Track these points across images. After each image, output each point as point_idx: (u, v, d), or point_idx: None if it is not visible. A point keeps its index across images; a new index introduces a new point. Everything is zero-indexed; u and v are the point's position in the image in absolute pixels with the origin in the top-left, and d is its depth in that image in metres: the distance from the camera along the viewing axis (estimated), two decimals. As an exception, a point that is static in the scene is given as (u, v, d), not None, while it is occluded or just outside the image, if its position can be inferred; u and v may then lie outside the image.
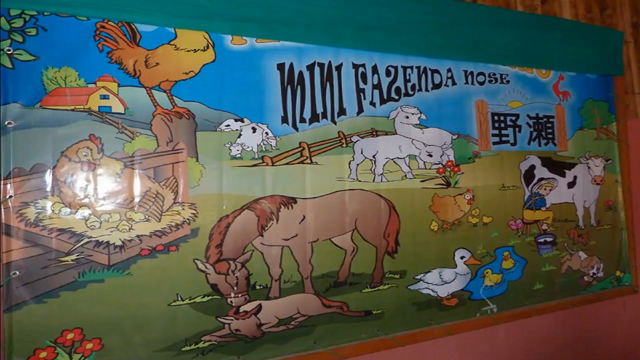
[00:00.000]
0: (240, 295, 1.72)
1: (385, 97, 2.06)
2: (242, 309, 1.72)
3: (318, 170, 1.89)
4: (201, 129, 1.69)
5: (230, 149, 1.74)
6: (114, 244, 1.54)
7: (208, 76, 1.72)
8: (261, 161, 1.79)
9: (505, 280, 2.33)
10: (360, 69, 2.02)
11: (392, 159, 2.06)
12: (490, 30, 2.30)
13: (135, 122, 1.60)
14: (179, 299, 1.63)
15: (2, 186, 1.41)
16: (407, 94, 2.11)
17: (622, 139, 2.78)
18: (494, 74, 2.36)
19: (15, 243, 1.43)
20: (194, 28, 1.71)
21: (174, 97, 1.66)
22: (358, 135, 1.99)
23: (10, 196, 1.43)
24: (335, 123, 1.94)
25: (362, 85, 2.01)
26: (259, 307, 1.75)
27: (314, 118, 1.90)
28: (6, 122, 1.43)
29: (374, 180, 2.00)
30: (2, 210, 1.42)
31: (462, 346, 2.23)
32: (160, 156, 1.63)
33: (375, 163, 2.01)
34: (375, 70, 2.05)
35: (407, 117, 2.09)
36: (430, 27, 2.15)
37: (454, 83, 2.24)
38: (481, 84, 2.32)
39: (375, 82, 2.05)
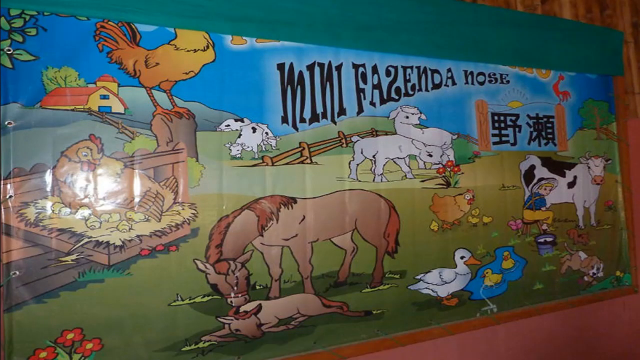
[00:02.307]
0: (240, 295, 1.72)
1: (385, 97, 2.06)
2: (242, 309, 1.72)
3: (318, 170, 1.89)
4: (201, 129, 1.69)
5: (230, 149, 1.74)
6: (114, 244, 1.54)
7: (208, 76, 1.72)
8: (261, 161, 1.79)
9: (505, 280, 2.33)
10: (360, 69, 2.02)
11: (392, 159, 2.06)
12: (490, 30, 2.30)
13: (135, 122, 1.60)
14: (179, 299, 1.63)
15: (2, 186, 1.41)
16: (407, 94, 2.11)
17: (622, 139, 2.78)
18: (494, 74, 2.36)
19: (15, 243, 1.43)
20: (194, 28, 1.71)
21: (174, 97, 1.66)
22: (358, 135, 1.99)
23: (10, 196, 1.43)
24: (335, 123, 1.94)
25: (362, 85, 2.01)
26: (259, 307, 1.75)
27: (314, 118, 1.90)
28: (6, 122, 1.43)
29: (374, 180, 2.00)
30: (2, 210, 1.42)
31: (462, 346, 2.23)
32: (160, 156, 1.63)
33: (375, 163, 2.01)
34: (375, 70, 2.05)
35: (407, 117, 2.09)
36: (430, 27, 2.15)
37: (454, 83, 2.24)
38: (481, 84, 2.32)
39: (375, 82, 2.05)
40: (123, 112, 1.58)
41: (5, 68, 1.44)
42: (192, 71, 1.70)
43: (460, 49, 2.23)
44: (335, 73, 1.96)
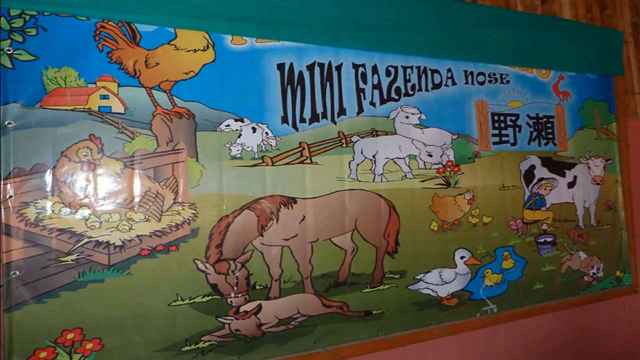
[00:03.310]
0: (240, 295, 1.72)
1: (385, 97, 2.06)
2: (242, 309, 1.72)
3: (318, 170, 1.89)
4: (201, 129, 1.69)
5: (230, 149, 1.74)
6: (114, 244, 1.54)
7: (208, 76, 1.72)
8: (261, 161, 1.79)
9: (505, 280, 2.33)
10: (360, 69, 2.02)
11: (392, 159, 2.06)
12: (490, 30, 2.30)
13: (135, 122, 1.60)
14: (179, 299, 1.63)
15: (2, 186, 1.41)
16: (407, 94, 2.11)
17: (622, 139, 2.78)
18: (494, 74, 2.36)
19: (15, 243, 1.43)
20: (194, 28, 1.71)
21: (174, 97, 1.66)
22: (358, 135, 1.99)
23: (10, 196, 1.43)
24: (335, 123, 1.94)
25: (362, 85, 2.01)
26: (259, 307, 1.75)
27: (314, 118, 1.90)
28: (6, 122, 1.43)
29: (374, 180, 2.00)
30: (2, 210, 1.42)
31: (462, 346, 2.23)
32: (160, 156, 1.63)
33: (375, 163, 2.01)
34: (375, 70, 2.05)
35: (407, 117, 2.09)
36: (430, 27, 2.15)
37: (454, 83, 2.24)
38: (481, 84, 2.32)
39: (375, 82, 2.05)
40: (123, 112, 1.58)
41: (5, 68, 1.44)
42: (192, 71, 1.70)
43: (460, 49, 2.23)
44: (335, 73, 1.96)
